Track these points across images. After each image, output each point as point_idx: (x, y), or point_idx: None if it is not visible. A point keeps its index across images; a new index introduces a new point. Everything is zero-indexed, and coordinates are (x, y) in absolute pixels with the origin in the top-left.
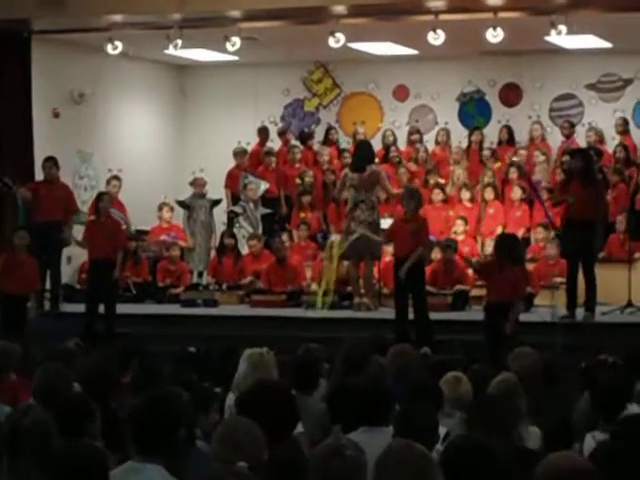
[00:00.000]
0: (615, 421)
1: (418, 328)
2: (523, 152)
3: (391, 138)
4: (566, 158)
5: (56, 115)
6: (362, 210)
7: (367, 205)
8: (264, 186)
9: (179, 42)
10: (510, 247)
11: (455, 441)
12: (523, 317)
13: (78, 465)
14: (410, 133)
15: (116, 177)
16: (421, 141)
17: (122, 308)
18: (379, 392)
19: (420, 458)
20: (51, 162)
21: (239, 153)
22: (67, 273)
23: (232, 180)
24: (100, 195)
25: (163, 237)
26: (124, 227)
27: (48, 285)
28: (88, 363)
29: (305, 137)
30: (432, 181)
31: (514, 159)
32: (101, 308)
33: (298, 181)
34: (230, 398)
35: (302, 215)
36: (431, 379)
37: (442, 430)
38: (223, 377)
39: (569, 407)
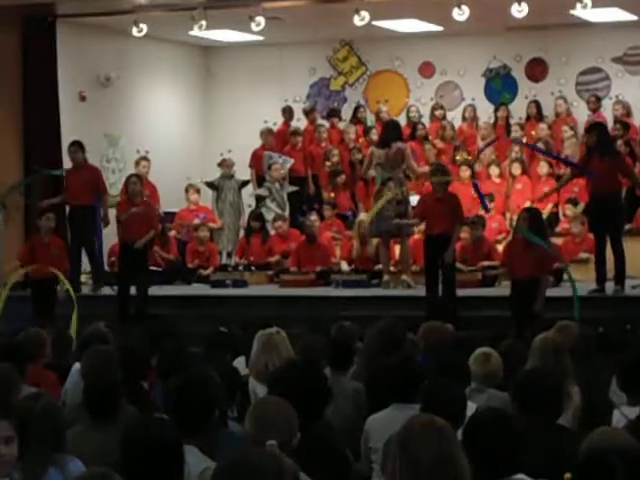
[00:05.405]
0: None
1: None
2: (544, 126)
3: (416, 114)
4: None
5: (82, 98)
6: (390, 188)
7: (395, 182)
8: (289, 163)
9: (204, 23)
10: (535, 221)
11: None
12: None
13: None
14: (434, 109)
15: (145, 158)
16: (445, 117)
17: (153, 290)
18: (410, 369)
19: (440, 431)
20: (76, 146)
21: (265, 133)
22: None
23: (256, 160)
24: (129, 178)
25: (196, 221)
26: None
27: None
28: (120, 345)
29: (334, 113)
30: (459, 158)
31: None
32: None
33: (327, 163)
34: (252, 381)
35: (331, 195)
36: (460, 356)
37: (472, 407)
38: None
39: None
